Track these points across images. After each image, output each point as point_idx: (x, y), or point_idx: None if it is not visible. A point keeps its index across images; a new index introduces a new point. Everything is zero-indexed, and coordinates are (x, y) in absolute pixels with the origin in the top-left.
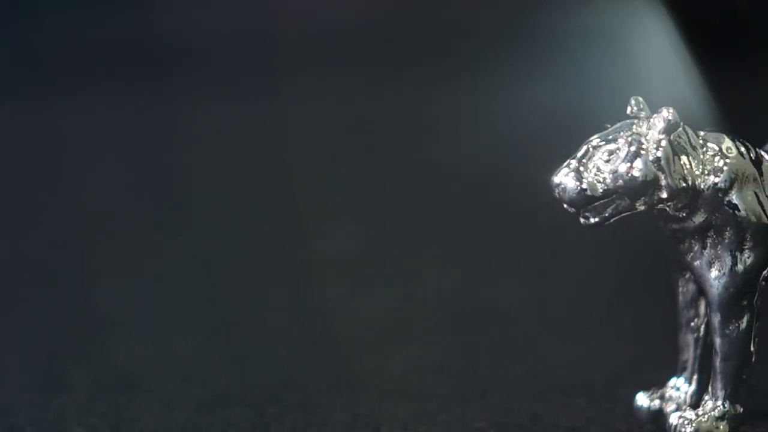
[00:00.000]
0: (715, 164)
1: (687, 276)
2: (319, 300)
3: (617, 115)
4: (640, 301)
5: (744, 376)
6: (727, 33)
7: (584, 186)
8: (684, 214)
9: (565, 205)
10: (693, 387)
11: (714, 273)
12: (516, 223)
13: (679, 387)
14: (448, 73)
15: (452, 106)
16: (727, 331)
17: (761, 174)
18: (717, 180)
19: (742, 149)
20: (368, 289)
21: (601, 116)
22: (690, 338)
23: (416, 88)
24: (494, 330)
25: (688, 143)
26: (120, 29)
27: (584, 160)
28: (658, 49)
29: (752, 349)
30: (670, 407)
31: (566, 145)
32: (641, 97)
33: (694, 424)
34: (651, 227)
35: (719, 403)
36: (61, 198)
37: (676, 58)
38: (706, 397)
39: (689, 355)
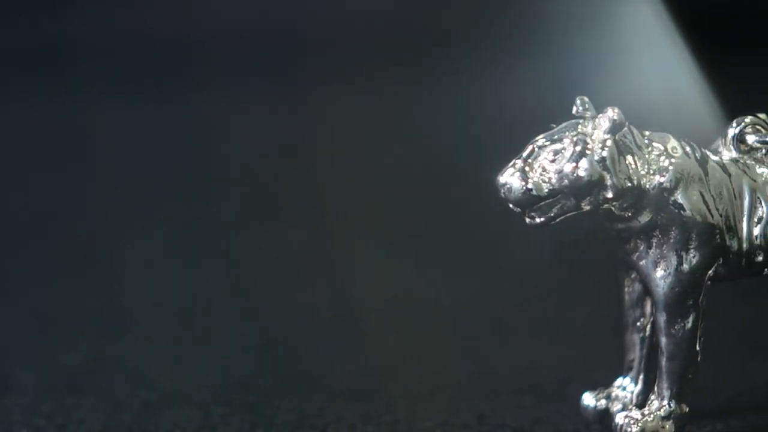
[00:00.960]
0: (661, 164)
1: (633, 276)
2: (265, 300)
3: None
4: (586, 301)
5: (690, 376)
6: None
7: (530, 186)
8: (629, 214)
9: (510, 205)
10: (639, 387)
11: (659, 273)
12: (464, 222)
13: (626, 387)
14: (402, 73)
15: (404, 105)
16: (673, 331)
17: (706, 173)
18: (662, 180)
19: (687, 149)
20: (315, 289)
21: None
22: (636, 338)
23: (365, 86)
24: (442, 330)
25: (633, 143)
26: (100, 26)
27: (530, 160)
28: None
29: (698, 348)
30: (616, 407)
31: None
32: (589, 95)
33: (639, 424)
34: (597, 227)
35: (665, 402)
36: (2, 200)
37: (652, 51)
38: (652, 397)
39: (635, 354)
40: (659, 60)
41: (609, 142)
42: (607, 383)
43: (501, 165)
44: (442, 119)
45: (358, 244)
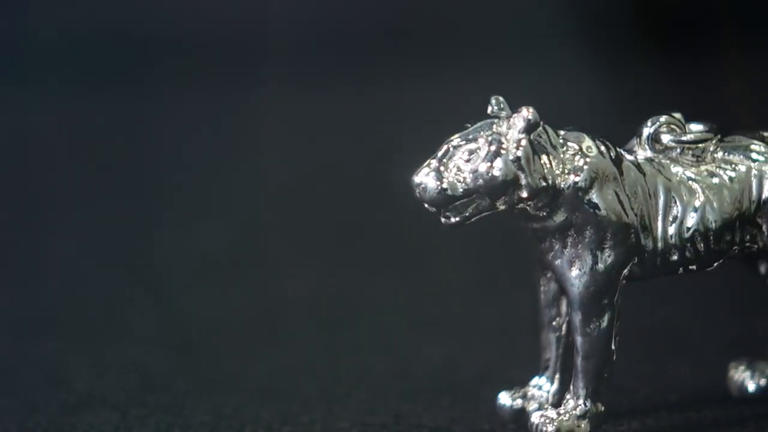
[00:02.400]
0: (576, 163)
1: (548, 275)
2: (183, 301)
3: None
4: (503, 301)
5: (605, 375)
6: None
7: (444, 185)
8: (544, 214)
9: (425, 205)
10: (555, 386)
11: (575, 272)
12: (381, 222)
13: (541, 386)
14: (327, 74)
15: (324, 107)
16: (588, 330)
17: (621, 173)
18: (577, 179)
19: (602, 148)
20: (233, 289)
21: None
22: (552, 337)
23: (286, 87)
24: (360, 330)
25: (548, 142)
26: (28, 23)
27: (445, 160)
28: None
29: (613, 347)
30: (532, 406)
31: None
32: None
33: (555, 423)
34: (513, 227)
35: (580, 401)
36: None
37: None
38: (568, 396)
39: (551, 354)
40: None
41: (524, 142)
42: (524, 382)
43: (417, 165)
44: (363, 121)
45: (276, 245)
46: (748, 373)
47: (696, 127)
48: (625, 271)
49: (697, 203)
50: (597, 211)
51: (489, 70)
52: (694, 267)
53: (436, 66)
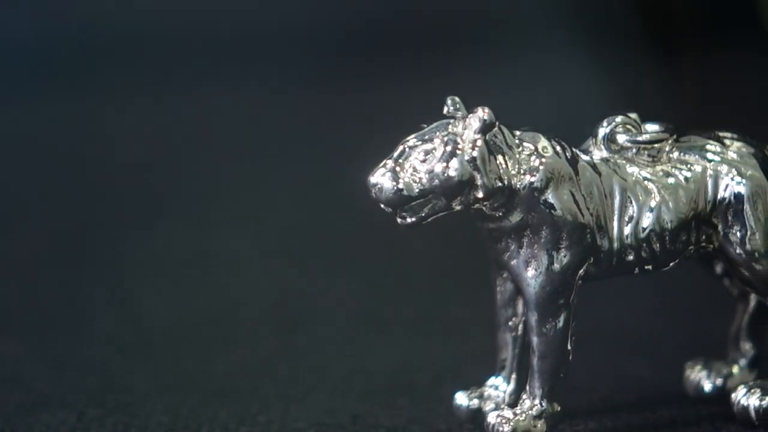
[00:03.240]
0: (531, 164)
1: (504, 275)
2: (141, 301)
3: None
4: (460, 301)
5: (561, 375)
6: None
7: (400, 186)
8: (500, 214)
9: (382, 205)
10: (511, 386)
11: (531, 272)
12: (340, 222)
13: (498, 386)
14: (283, 74)
15: (284, 107)
16: (544, 330)
17: (577, 173)
18: (533, 179)
19: (558, 148)
20: (191, 289)
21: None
22: (508, 337)
23: (245, 86)
24: (318, 330)
25: (504, 143)
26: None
27: (400, 160)
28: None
29: (569, 347)
30: (488, 406)
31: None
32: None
33: (511, 423)
34: (469, 227)
35: (536, 401)
36: None
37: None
38: (524, 396)
39: (507, 354)
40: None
41: (479, 142)
42: (480, 383)
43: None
44: (322, 121)
45: (235, 245)
46: (704, 373)
47: (652, 128)
48: (581, 271)
49: (653, 203)
50: (553, 211)
51: (452, 72)
52: (649, 267)
53: (396, 68)
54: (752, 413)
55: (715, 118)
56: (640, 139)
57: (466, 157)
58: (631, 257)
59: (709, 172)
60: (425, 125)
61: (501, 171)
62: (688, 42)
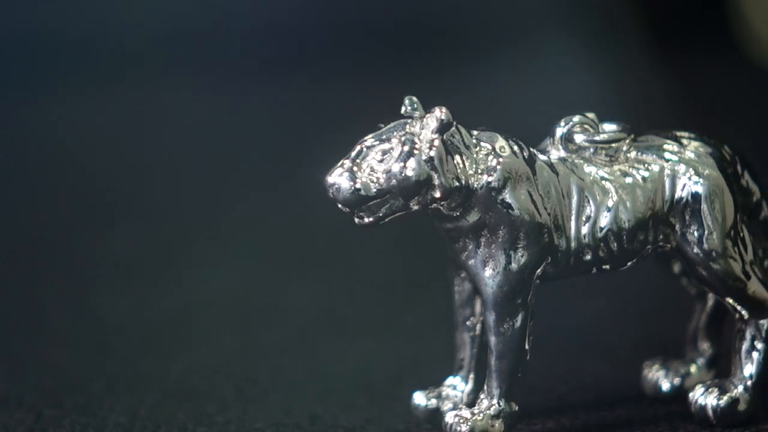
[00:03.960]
0: (489, 163)
1: (462, 275)
2: (99, 302)
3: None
4: (418, 301)
5: (519, 375)
6: None
7: (358, 186)
8: (458, 214)
9: (339, 205)
10: (469, 385)
11: (488, 272)
12: (299, 224)
13: (456, 386)
14: (240, 74)
15: (245, 106)
16: (502, 330)
17: (534, 173)
18: (490, 179)
19: (515, 148)
20: (150, 289)
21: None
22: (466, 337)
23: (202, 86)
24: (276, 330)
25: (461, 142)
26: None
27: (358, 160)
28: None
29: (527, 347)
30: (446, 406)
31: None
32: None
33: (469, 423)
34: (427, 227)
35: (494, 401)
36: None
37: None
38: (482, 396)
39: (465, 353)
40: None
41: (437, 142)
42: (438, 382)
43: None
44: (282, 121)
45: (193, 245)
46: (662, 373)
47: (609, 127)
48: (539, 270)
49: (611, 203)
50: (510, 210)
51: (410, 72)
52: (607, 266)
53: (353, 68)
54: (710, 412)
55: (676, 118)
56: (597, 138)
57: (424, 157)
58: (588, 257)
59: (667, 171)
60: (382, 125)
61: (458, 171)
62: (647, 42)
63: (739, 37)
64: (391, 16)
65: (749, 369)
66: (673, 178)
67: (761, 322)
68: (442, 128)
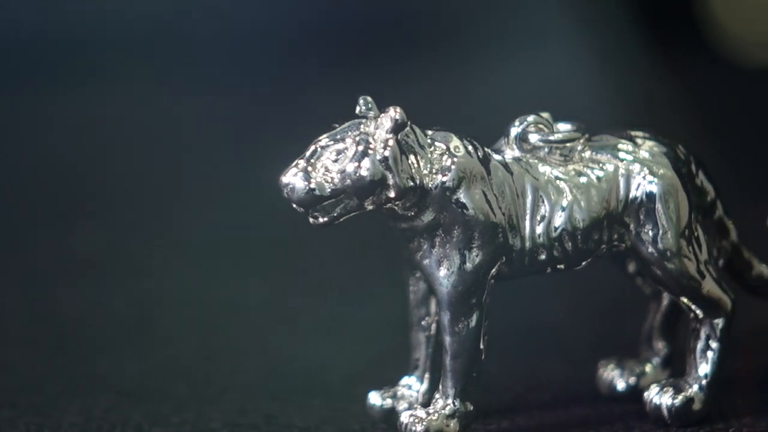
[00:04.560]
0: (443, 163)
1: (417, 275)
2: (55, 301)
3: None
4: (373, 301)
5: (474, 374)
6: None
7: (312, 186)
8: (412, 213)
9: (294, 205)
10: (425, 385)
11: (443, 272)
12: (255, 223)
13: (411, 385)
14: (197, 73)
15: (200, 106)
16: (457, 330)
17: (489, 172)
18: (445, 179)
19: (470, 148)
20: (105, 289)
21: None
22: (421, 337)
23: (158, 86)
24: (232, 330)
25: (416, 142)
26: None
27: (312, 160)
28: None
29: (482, 347)
30: (402, 406)
31: None
32: None
33: (424, 423)
34: (382, 227)
35: (449, 401)
36: None
37: None
38: (437, 396)
39: (421, 353)
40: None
41: (391, 142)
42: (394, 382)
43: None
44: (237, 122)
45: (151, 245)
46: (617, 372)
47: (564, 127)
48: (493, 270)
49: (565, 202)
50: (465, 210)
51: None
52: (562, 266)
53: (310, 69)
54: (665, 412)
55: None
56: (552, 138)
57: (378, 157)
58: (543, 256)
59: (621, 171)
60: (337, 125)
61: (413, 170)
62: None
63: (711, 36)
64: (402, 14)
65: (704, 368)
66: (628, 177)
67: (716, 321)
68: (397, 128)
